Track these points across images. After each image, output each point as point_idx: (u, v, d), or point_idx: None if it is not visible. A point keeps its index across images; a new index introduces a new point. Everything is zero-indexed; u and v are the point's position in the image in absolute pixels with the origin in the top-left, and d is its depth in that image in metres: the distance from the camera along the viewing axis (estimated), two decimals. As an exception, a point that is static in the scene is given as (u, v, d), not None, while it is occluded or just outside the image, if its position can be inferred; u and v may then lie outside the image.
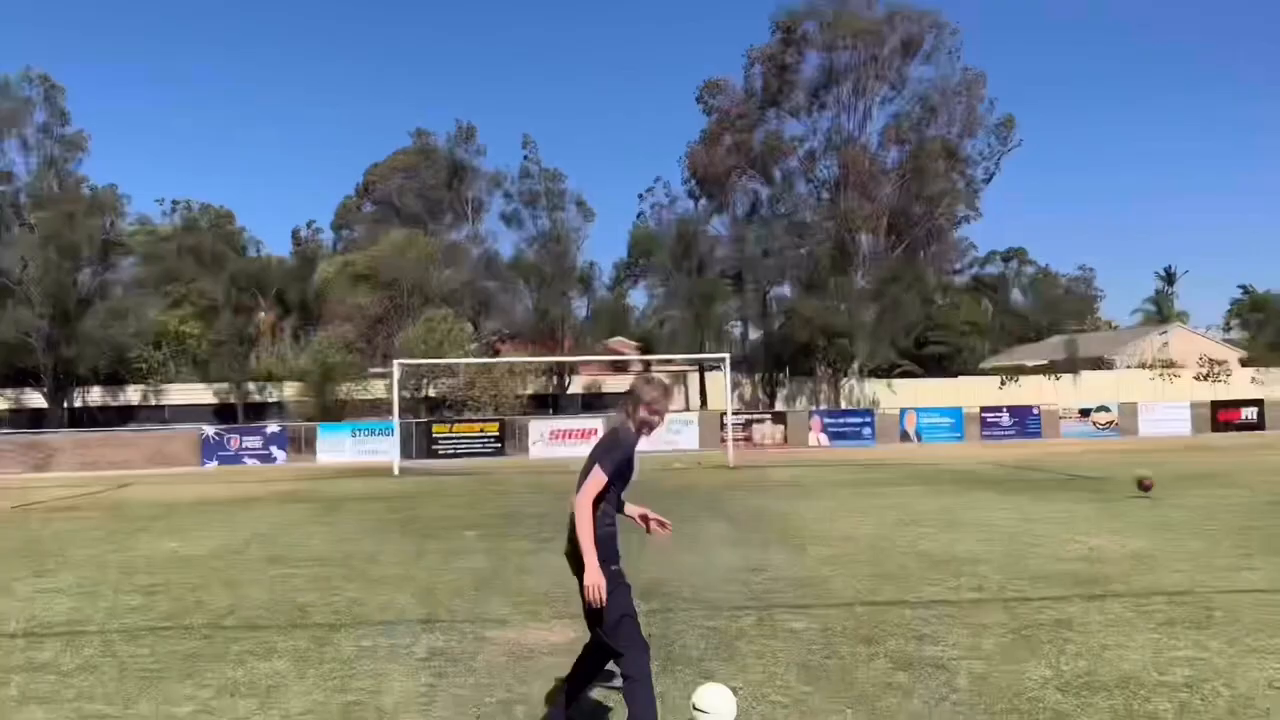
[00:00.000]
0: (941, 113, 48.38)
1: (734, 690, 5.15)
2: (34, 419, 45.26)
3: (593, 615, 4.51)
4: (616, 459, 4.50)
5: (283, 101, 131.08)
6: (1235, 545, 9.54)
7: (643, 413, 4.62)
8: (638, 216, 55.37)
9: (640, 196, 55.88)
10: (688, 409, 47.48)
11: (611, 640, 4.43)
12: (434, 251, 43.94)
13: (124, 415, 49.58)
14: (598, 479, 4.45)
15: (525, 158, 51.78)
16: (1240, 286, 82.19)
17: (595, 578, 4.34)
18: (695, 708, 4.50)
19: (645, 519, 4.89)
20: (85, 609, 7.91)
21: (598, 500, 4.47)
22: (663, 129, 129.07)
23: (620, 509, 4.72)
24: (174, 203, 61.82)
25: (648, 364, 54.72)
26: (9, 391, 47.37)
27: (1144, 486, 14.75)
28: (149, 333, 47.17)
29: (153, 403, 50.47)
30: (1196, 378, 52.71)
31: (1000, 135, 48.97)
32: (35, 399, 46.98)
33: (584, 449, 32.23)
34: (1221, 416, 34.24)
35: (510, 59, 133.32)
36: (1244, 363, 62.13)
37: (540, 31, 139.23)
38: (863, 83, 48.72)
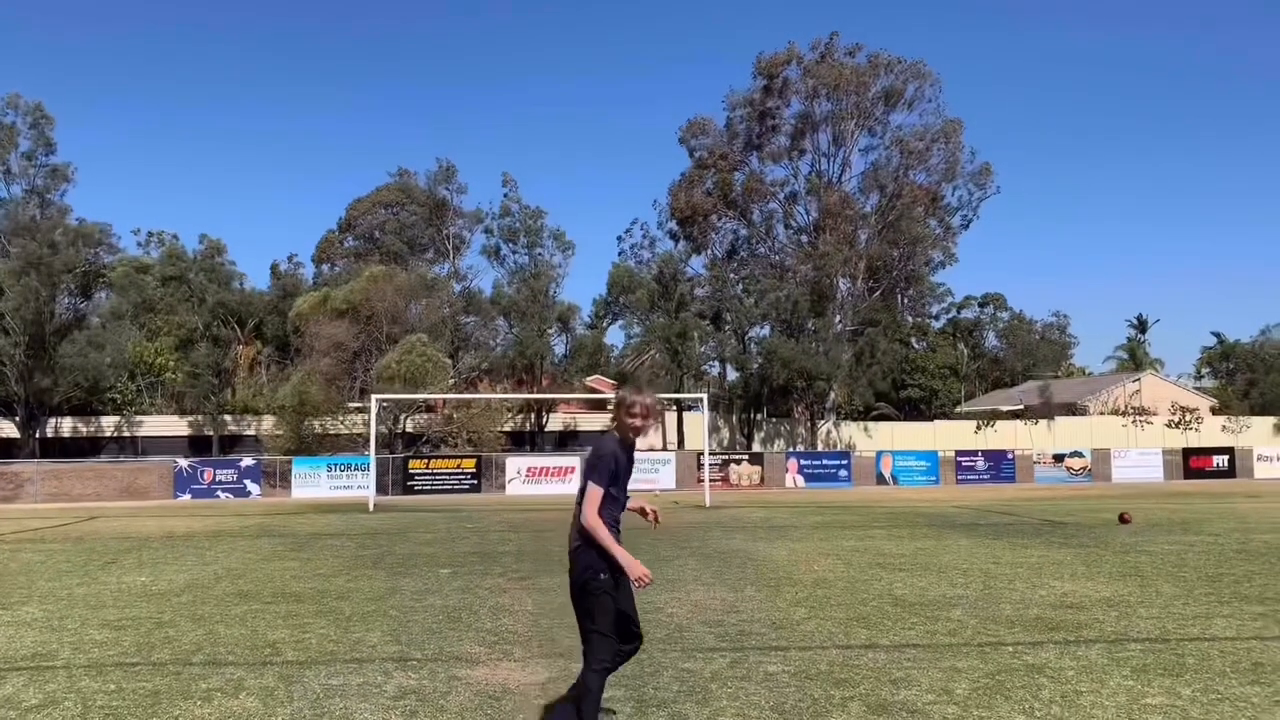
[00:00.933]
0: (920, 160, 49.01)
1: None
2: (4, 449, 44.66)
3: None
4: (604, 471, 4.66)
5: (265, 136, 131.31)
6: (1207, 592, 9.60)
7: (623, 416, 4.76)
8: (617, 256, 55.65)
9: (619, 239, 56.17)
10: (665, 449, 47.41)
11: (584, 644, 4.70)
12: (413, 286, 43.88)
13: (96, 446, 49.03)
14: (593, 494, 4.64)
15: (505, 195, 52.02)
16: (1213, 334, 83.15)
17: (634, 569, 4.60)
18: None
19: (643, 511, 5.19)
20: (50, 643, 7.78)
21: (604, 508, 4.68)
22: (642, 170, 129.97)
23: (618, 511, 4.85)
24: (149, 234, 61.67)
25: (625, 403, 54.50)
26: (-22, 420, 46.79)
27: (1123, 520, 15.72)
28: (127, 364, 46.77)
29: (126, 433, 49.95)
30: (1168, 425, 53.18)
31: (978, 182, 49.65)
32: (6, 428, 46.38)
33: (560, 487, 32.12)
34: (1193, 463, 34.62)
35: (491, 97, 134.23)
36: (1215, 411, 62.78)
37: (522, 71, 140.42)
38: (843, 129, 49.36)
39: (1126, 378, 69.19)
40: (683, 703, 5.82)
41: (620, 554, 4.59)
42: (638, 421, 4.74)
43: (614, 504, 4.76)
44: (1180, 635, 7.60)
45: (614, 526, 4.72)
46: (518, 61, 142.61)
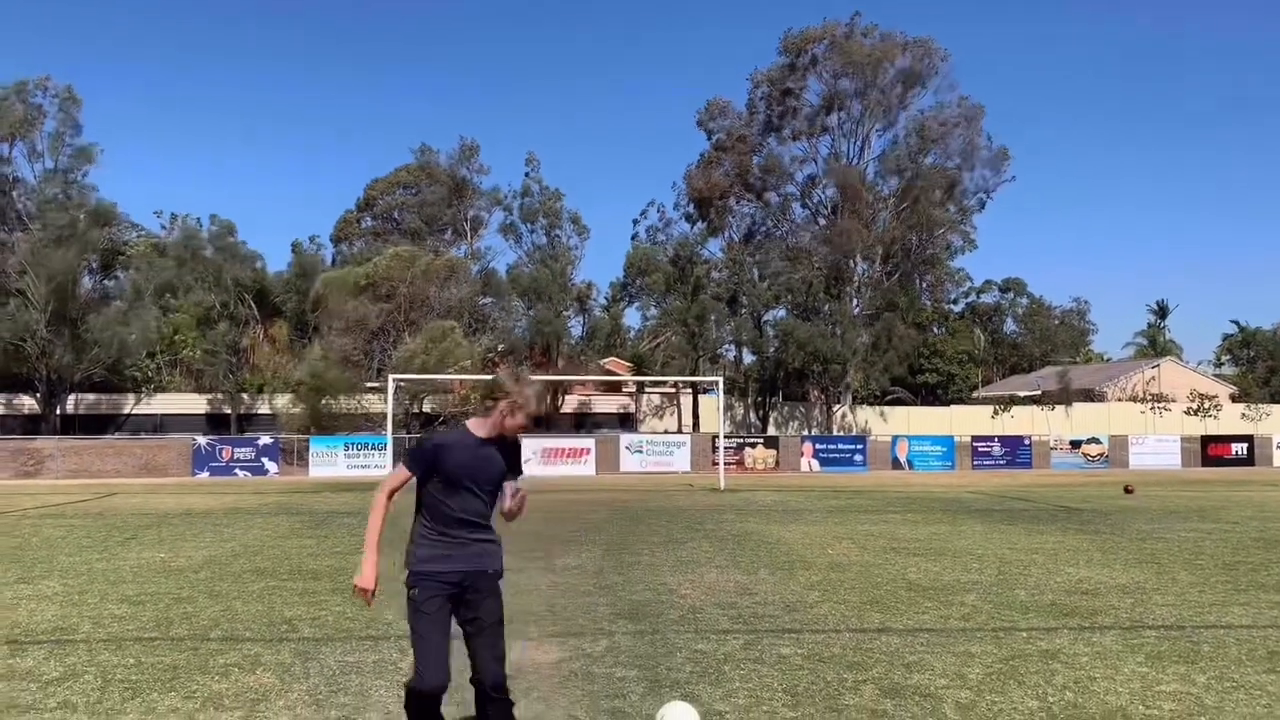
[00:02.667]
0: (939, 143, 48.70)
1: (721, 715, 5.16)
2: (26, 424, 45.06)
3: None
4: (418, 454, 4.06)
5: (285, 116, 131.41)
6: (1224, 580, 9.56)
7: (503, 415, 4.07)
8: (632, 238, 55.54)
9: (635, 221, 56.06)
10: (680, 431, 47.45)
11: None
12: (438, 267, 43.97)
13: (116, 423, 49.39)
14: (395, 471, 4.14)
15: (527, 174, 51.96)
16: (1233, 321, 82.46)
17: (361, 580, 4.11)
18: None
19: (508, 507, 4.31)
20: (70, 617, 7.87)
21: (424, 512, 4.14)
22: (658, 151, 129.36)
23: (456, 520, 4.12)
24: (173, 215, 61.84)
25: (641, 385, 54.71)
26: (1, 396, 47.22)
27: (1127, 490, 16.17)
28: (150, 341, 47.11)
29: (145, 411, 50.34)
30: (1187, 412, 52.84)
31: (994, 167, 49.31)
32: (28, 404, 46.82)
33: (576, 468, 32.18)
34: (1212, 451, 34.41)
35: (508, 78, 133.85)
36: (1234, 398, 62.33)
37: (537, 52, 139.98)
38: (864, 109, 49.09)
39: (1145, 364, 68.76)
40: (696, 684, 5.84)
41: (368, 549, 4.13)
42: (520, 418, 4.07)
43: (439, 508, 4.09)
44: (1196, 622, 7.58)
45: (429, 537, 4.12)
46: (529, 45, 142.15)
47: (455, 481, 4.05)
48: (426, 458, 4.04)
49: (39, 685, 5.83)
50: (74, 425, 46.94)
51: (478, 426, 4.12)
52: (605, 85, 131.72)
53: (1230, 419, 53.60)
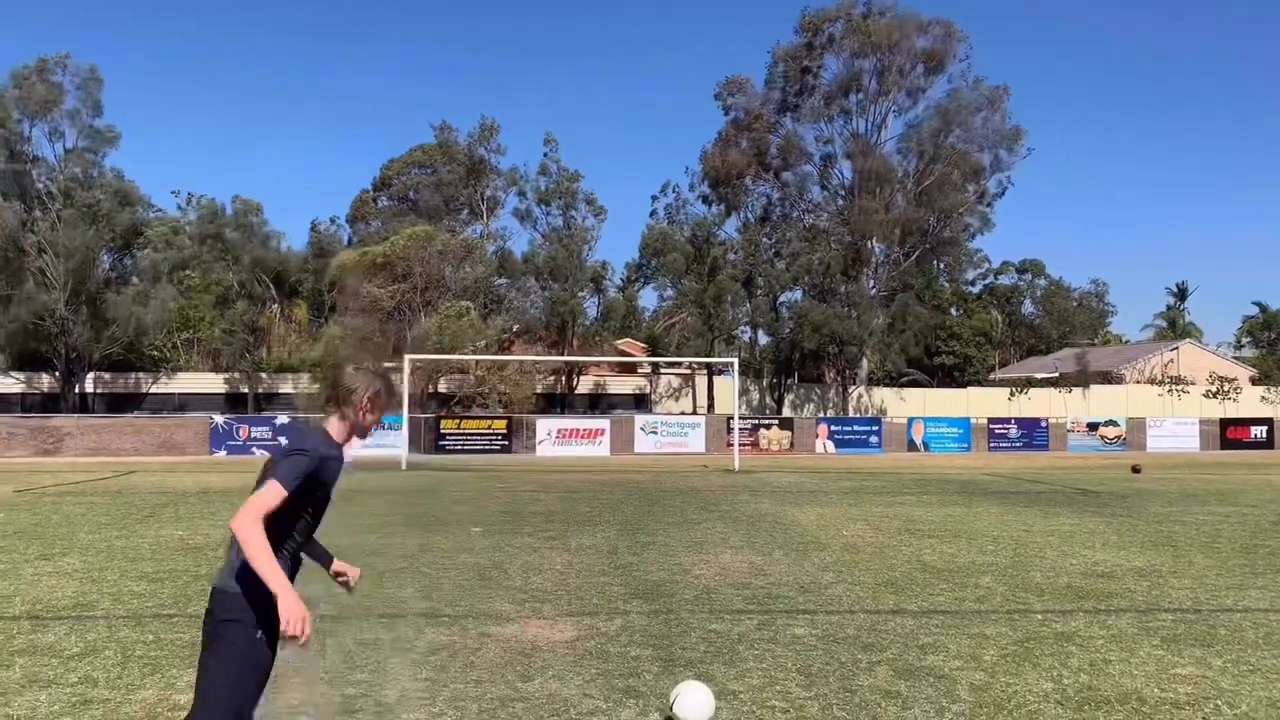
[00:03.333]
0: (959, 124, 48.31)
1: (734, 694, 5.18)
2: (45, 403, 45.45)
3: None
4: (303, 471, 3.33)
5: (300, 96, 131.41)
6: (1241, 564, 9.52)
7: (363, 412, 3.53)
8: (650, 215, 55.30)
9: (654, 198, 55.81)
10: (695, 412, 47.46)
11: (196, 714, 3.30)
12: (454, 247, 44.01)
13: (135, 401, 49.75)
14: (275, 492, 3.26)
15: (546, 155, 51.69)
16: (1255, 303, 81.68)
17: (291, 609, 3.18)
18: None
19: (342, 577, 3.98)
20: (91, 593, 7.95)
21: (279, 523, 3.34)
22: (672, 131, 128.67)
23: (306, 542, 3.61)
24: (190, 195, 62.00)
25: (656, 365, 54.71)
26: (21, 375, 47.63)
27: (1135, 470, 16.43)
28: (169, 321, 47.39)
29: (164, 390, 50.69)
30: (1206, 395, 52.47)
31: (1009, 147, 48.90)
32: (47, 382, 47.21)
33: (590, 449, 32.12)
34: (1231, 434, 34.21)
35: (522, 58, 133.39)
36: (1254, 381, 61.83)
37: (552, 32, 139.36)
38: (882, 89, 48.74)
39: (1164, 346, 68.25)
40: (710, 663, 5.86)
41: (277, 580, 3.19)
42: (379, 415, 3.58)
43: (303, 528, 3.52)
44: (1212, 606, 7.55)
45: (294, 561, 3.51)
46: (545, 25, 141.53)
47: (326, 497, 3.53)
48: (313, 475, 3.37)
49: (60, 660, 5.90)
50: (92, 404, 47.31)
51: (336, 431, 3.55)
52: (617, 66, 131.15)
53: (1250, 402, 53.18)
